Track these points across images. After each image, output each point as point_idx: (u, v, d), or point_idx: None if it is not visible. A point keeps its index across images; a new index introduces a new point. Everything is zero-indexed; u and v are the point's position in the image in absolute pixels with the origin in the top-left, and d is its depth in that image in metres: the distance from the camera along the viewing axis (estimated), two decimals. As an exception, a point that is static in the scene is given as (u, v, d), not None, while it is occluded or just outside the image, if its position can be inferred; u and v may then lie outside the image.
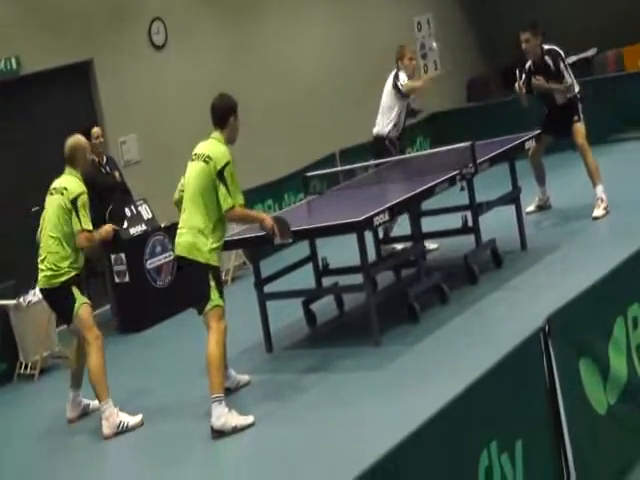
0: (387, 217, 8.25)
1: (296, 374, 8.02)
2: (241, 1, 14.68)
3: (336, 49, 16.06)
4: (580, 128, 10.95)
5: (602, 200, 10.71)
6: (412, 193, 8.79)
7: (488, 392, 4.43)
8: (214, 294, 7.35)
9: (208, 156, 7.47)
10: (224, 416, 7.12)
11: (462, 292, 9.10)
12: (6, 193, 11.38)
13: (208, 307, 7.34)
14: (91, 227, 7.88)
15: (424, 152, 11.08)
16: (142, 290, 10.69)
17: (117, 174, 11.00)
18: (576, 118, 11.00)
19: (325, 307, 9.46)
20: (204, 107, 13.74)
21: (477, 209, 9.59)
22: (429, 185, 8.92)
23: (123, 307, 10.78)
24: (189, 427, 7.55)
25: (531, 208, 11.36)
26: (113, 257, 10.64)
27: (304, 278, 9.40)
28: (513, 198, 10.11)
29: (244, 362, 8.71)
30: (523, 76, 11.22)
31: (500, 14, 19.12)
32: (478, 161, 9.29)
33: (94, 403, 8.14)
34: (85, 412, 8.31)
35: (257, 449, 6.98)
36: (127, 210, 10.81)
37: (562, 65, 10.94)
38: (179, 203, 7.86)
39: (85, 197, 7.89)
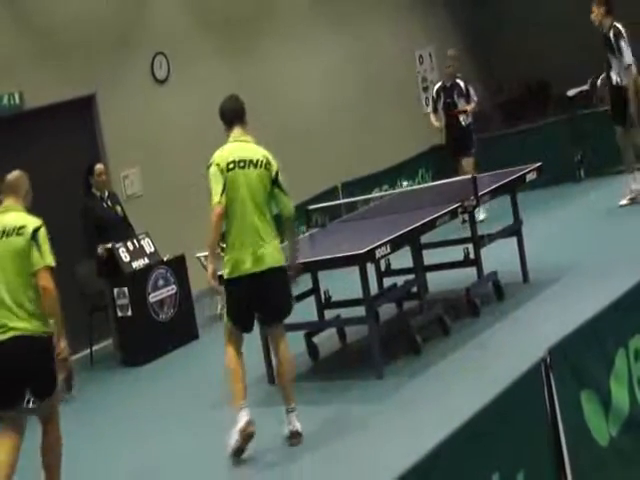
0: (389, 250, 8.28)
1: (298, 406, 7.99)
2: (243, 35, 14.77)
3: (338, 82, 16.13)
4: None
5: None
6: (414, 225, 8.82)
7: (490, 424, 4.42)
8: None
9: (267, 162, 7.32)
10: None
11: (464, 324, 9.10)
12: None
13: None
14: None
15: (426, 185, 11.13)
16: (145, 324, 10.69)
17: (119, 208, 11.04)
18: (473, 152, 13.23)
19: (327, 340, 9.46)
20: (207, 141, 13.86)
21: (479, 242, 9.61)
22: (431, 217, 8.95)
23: (125, 341, 10.77)
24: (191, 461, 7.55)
25: None
26: (116, 291, 10.65)
27: (306, 311, 9.40)
28: (514, 230, 10.13)
29: (247, 394, 8.70)
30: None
31: (501, 48, 19.23)
32: (480, 193, 9.32)
33: None
34: None
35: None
36: (129, 244, 10.83)
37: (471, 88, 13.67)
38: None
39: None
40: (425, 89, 18.17)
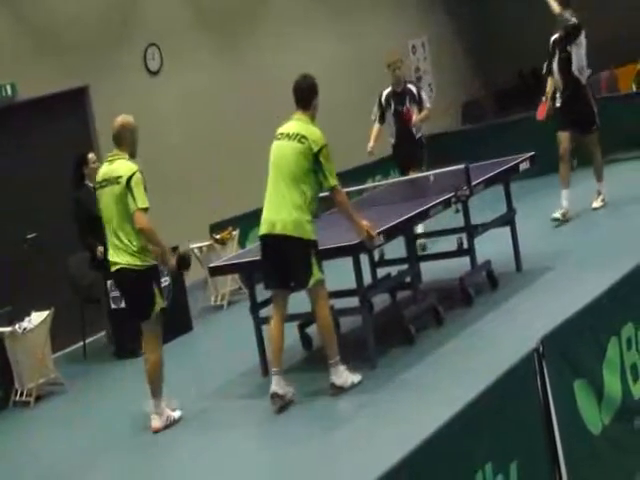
0: (382, 240, 8.27)
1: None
2: (237, 26, 14.75)
3: (330, 73, 16.09)
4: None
5: None
6: (407, 216, 8.81)
7: (483, 414, 4.42)
8: (315, 269, 7.69)
9: (303, 136, 7.76)
10: (344, 374, 7.78)
11: (458, 314, 9.10)
12: (2, 219, 11.38)
13: (312, 282, 7.69)
14: None
15: (419, 174, 11.11)
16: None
17: (112, 200, 11.01)
18: (424, 168, 11.77)
19: (321, 330, 9.44)
20: (199, 131, 13.88)
21: (472, 231, 9.60)
22: (424, 208, 8.94)
23: (119, 333, 10.75)
24: (188, 450, 7.55)
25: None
26: (109, 283, 10.62)
27: (300, 302, 9.36)
28: (508, 220, 10.13)
29: (240, 386, 8.71)
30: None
31: (495, 37, 19.23)
32: (473, 183, 9.31)
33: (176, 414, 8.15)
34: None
35: (252, 472, 6.96)
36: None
37: (423, 93, 12.21)
38: None
39: None
40: (418, 79, 18.17)
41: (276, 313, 7.96)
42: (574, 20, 11.44)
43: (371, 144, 12.03)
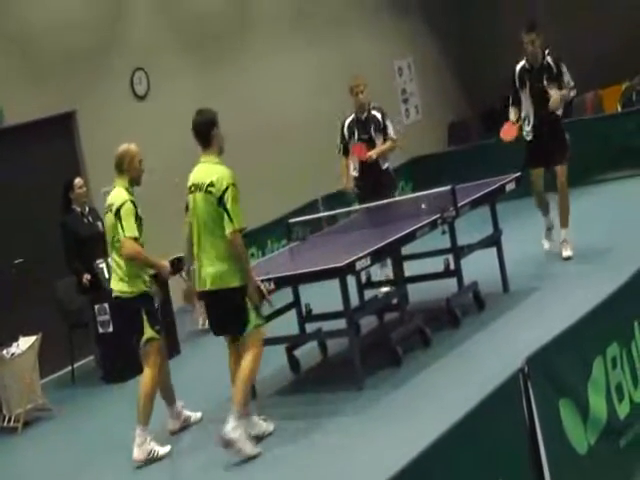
0: (369, 262, 8.29)
1: (279, 420, 8.01)
2: (223, 50, 14.80)
3: (317, 95, 16.16)
4: None
5: None
6: (394, 237, 8.84)
7: (469, 434, 4.43)
8: (251, 315, 7.51)
9: (210, 184, 7.54)
10: (240, 430, 7.34)
11: (444, 335, 9.12)
12: (-11, 245, 11.36)
13: (249, 329, 7.51)
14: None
15: (406, 196, 11.13)
16: (126, 340, 10.63)
17: (100, 224, 11.02)
18: (395, 194, 11.23)
19: (309, 353, 9.45)
20: (186, 156, 13.85)
21: (459, 252, 9.63)
22: (411, 229, 8.96)
23: (107, 357, 10.73)
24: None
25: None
26: (96, 307, 10.62)
27: (287, 324, 9.40)
28: (494, 241, 10.16)
29: (227, 409, 8.68)
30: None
31: (481, 58, 19.30)
32: (459, 204, 9.34)
33: (195, 415, 8.54)
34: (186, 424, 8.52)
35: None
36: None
37: (389, 121, 11.18)
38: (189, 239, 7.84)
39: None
40: (405, 101, 18.26)
41: (230, 355, 7.90)
42: (549, 61, 10.57)
43: (345, 181, 11.31)
